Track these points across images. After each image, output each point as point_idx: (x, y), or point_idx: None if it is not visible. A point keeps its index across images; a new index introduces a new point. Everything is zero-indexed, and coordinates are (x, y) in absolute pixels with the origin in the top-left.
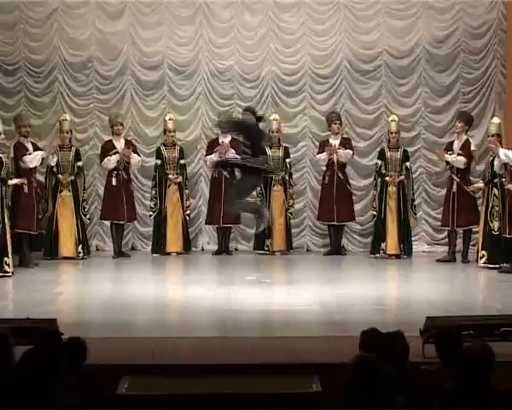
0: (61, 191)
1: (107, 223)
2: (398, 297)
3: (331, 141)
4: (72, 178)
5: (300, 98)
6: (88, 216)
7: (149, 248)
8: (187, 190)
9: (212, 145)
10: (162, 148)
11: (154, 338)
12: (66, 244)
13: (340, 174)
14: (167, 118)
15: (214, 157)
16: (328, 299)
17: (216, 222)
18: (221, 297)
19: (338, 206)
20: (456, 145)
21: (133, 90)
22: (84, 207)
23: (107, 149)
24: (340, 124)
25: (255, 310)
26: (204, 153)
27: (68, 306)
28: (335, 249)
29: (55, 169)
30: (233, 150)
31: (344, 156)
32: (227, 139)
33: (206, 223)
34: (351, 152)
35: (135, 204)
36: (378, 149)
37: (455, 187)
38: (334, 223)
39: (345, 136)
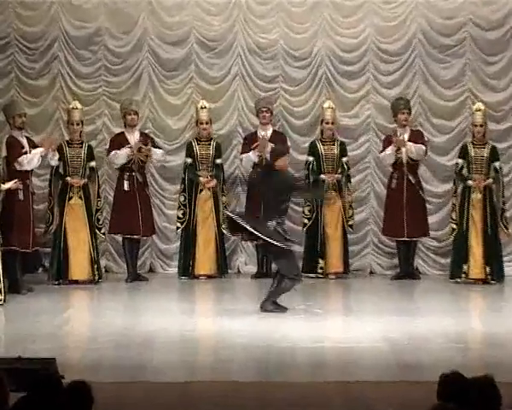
0: (71, 198)
1: (119, 238)
2: (486, 333)
3: (397, 131)
4: (85, 181)
5: (362, 81)
6: (103, 230)
7: (171, 270)
8: (224, 198)
9: (250, 140)
10: (194, 143)
11: (179, 384)
12: (79, 265)
13: (410, 177)
14: (200, 106)
15: (252, 156)
16: (396, 335)
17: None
18: (261, 331)
19: (409, 217)
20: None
21: (152, 71)
22: (99, 219)
23: (118, 143)
24: (409, 113)
25: (304, 348)
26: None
27: (72, 341)
28: (406, 272)
29: (61, 170)
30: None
31: (415, 152)
32: (268, 132)
33: (242, 239)
34: (423, 148)
35: (153, 214)
36: (460, 146)
37: None
38: (405, 239)
39: (415, 128)
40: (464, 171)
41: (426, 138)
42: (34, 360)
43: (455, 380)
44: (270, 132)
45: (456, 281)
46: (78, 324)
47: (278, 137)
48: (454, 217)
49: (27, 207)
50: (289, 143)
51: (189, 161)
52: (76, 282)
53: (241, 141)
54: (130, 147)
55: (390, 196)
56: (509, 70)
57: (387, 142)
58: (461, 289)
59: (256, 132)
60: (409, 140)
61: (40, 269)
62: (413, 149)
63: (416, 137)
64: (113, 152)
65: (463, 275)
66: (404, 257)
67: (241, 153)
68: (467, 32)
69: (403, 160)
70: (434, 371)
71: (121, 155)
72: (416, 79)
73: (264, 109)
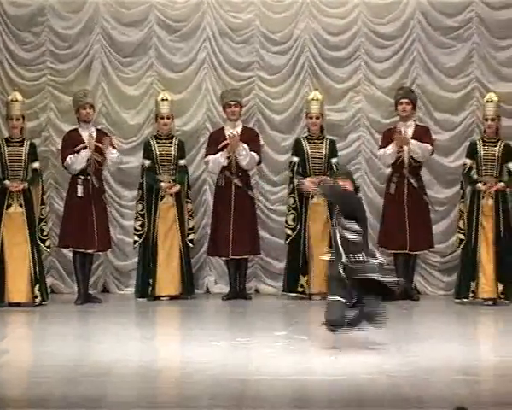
0: (9, 206)
1: (68, 252)
2: (497, 363)
3: (400, 128)
4: (26, 185)
5: (352, 69)
6: (48, 243)
7: (128, 290)
8: (189, 205)
9: (216, 139)
10: (153, 142)
11: None
12: (19, 284)
13: (412, 180)
14: (160, 98)
15: (221, 158)
16: (393, 365)
17: (223, 252)
18: (235, 362)
19: (411, 227)
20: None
21: (104, 57)
22: (43, 230)
23: (72, 142)
24: (410, 104)
25: (285, 380)
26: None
27: (10, 375)
28: (404, 291)
29: None
30: (245, 146)
31: (420, 152)
32: (238, 128)
33: (208, 254)
34: (430, 147)
35: (109, 226)
36: (467, 144)
37: None
38: (407, 251)
39: (419, 123)
40: (473, 172)
41: (433, 136)
42: None
43: None
44: (239, 129)
45: (463, 301)
46: (18, 354)
47: (249, 135)
48: (462, 226)
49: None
50: (263, 142)
51: (148, 163)
52: (17, 305)
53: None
54: (86, 147)
55: (388, 202)
56: None
57: (388, 137)
58: (468, 312)
59: (223, 129)
60: (413, 137)
61: None
62: (417, 149)
63: (422, 134)
64: (71, 157)
65: (471, 294)
66: (403, 273)
67: (207, 154)
68: (474, 12)
69: (404, 160)
70: (438, 408)
71: (80, 160)
72: (414, 67)
73: (233, 103)
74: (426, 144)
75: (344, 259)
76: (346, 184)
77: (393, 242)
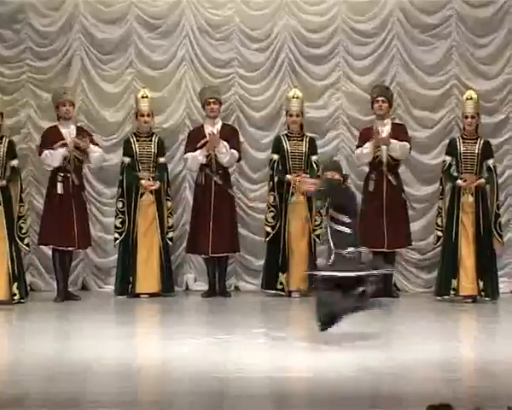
0: None
1: (48, 250)
2: (477, 361)
3: (378, 128)
4: (4, 183)
5: (331, 66)
6: (27, 241)
7: (107, 288)
8: (169, 202)
9: (196, 137)
10: (133, 139)
11: None
12: None
13: (391, 178)
14: (140, 95)
15: (200, 156)
16: (373, 363)
17: (203, 250)
18: (214, 360)
19: (390, 225)
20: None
21: (84, 55)
22: (21, 228)
23: (51, 139)
24: (386, 101)
25: (264, 378)
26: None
27: None
28: (383, 289)
29: None
30: (226, 143)
31: (399, 150)
32: (217, 126)
33: (187, 251)
34: (407, 145)
35: (89, 223)
36: (446, 141)
37: None
38: (384, 250)
39: (397, 121)
40: (452, 169)
41: (409, 134)
42: None
43: None
44: (219, 126)
45: (444, 298)
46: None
47: (229, 132)
48: (440, 223)
49: None
50: (242, 139)
51: (127, 160)
52: None
53: None
54: (66, 144)
55: (367, 200)
56: (501, 54)
57: (365, 136)
58: (448, 309)
59: (202, 127)
60: (390, 136)
61: None
62: (397, 146)
63: (399, 132)
64: (46, 152)
65: (452, 292)
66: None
67: (186, 151)
68: (453, 10)
69: (382, 158)
70: (418, 405)
71: (56, 157)
72: (393, 65)
73: (212, 100)
74: (405, 143)
75: (334, 252)
76: (334, 177)
77: (372, 240)
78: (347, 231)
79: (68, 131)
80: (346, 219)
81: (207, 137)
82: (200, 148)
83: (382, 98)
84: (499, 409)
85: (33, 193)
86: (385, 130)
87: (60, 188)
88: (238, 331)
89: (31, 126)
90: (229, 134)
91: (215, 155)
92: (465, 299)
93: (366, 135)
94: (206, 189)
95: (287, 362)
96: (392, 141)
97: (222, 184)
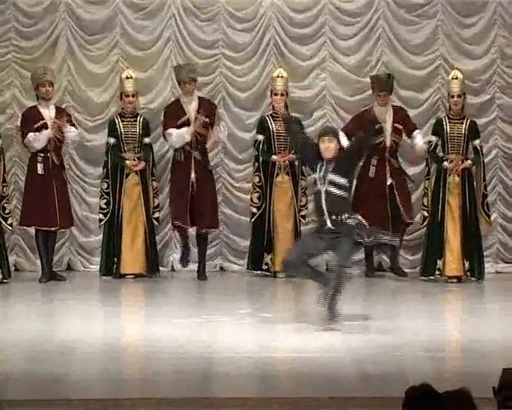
0: None
1: (31, 230)
2: (462, 340)
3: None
4: None
5: (317, 46)
6: (10, 221)
7: (93, 268)
8: (154, 183)
9: (175, 112)
10: (117, 120)
11: (102, 400)
12: None
13: (393, 161)
14: (124, 76)
15: (186, 134)
16: (358, 343)
17: (183, 222)
18: (199, 340)
19: (396, 208)
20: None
21: (70, 35)
22: (4, 208)
23: (31, 119)
24: (390, 91)
25: (250, 358)
26: None
27: None
28: (370, 269)
29: None
30: (224, 123)
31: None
32: (194, 102)
33: (173, 223)
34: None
35: (71, 203)
36: (432, 121)
37: None
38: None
39: (394, 104)
40: (438, 150)
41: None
42: None
43: (424, 394)
44: (196, 103)
45: (429, 279)
46: None
47: (208, 108)
48: (426, 203)
49: None
50: (223, 113)
51: (112, 141)
52: None
53: None
54: (45, 125)
55: (367, 186)
56: (487, 34)
57: (358, 121)
58: (434, 289)
59: (179, 101)
60: (394, 121)
61: None
62: (423, 146)
63: (403, 118)
64: (32, 134)
65: (437, 272)
66: (370, 252)
67: (166, 127)
68: None
69: (386, 144)
70: (403, 385)
71: (41, 139)
72: (379, 45)
73: (187, 80)
74: (419, 134)
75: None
76: (332, 144)
77: (377, 223)
78: (344, 195)
79: (48, 112)
80: (343, 182)
81: (194, 121)
82: (183, 125)
83: (384, 93)
84: (484, 389)
85: (19, 173)
86: (387, 117)
87: (40, 168)
88: (224, 312)
89: (16, 107)
90: (209, 110)
91: (197, 132)
92: (450, 279)
93: (361, 118)
94: (186, 165)
95: (272, 342)
96: (419, 143)
97: (201, 160)
